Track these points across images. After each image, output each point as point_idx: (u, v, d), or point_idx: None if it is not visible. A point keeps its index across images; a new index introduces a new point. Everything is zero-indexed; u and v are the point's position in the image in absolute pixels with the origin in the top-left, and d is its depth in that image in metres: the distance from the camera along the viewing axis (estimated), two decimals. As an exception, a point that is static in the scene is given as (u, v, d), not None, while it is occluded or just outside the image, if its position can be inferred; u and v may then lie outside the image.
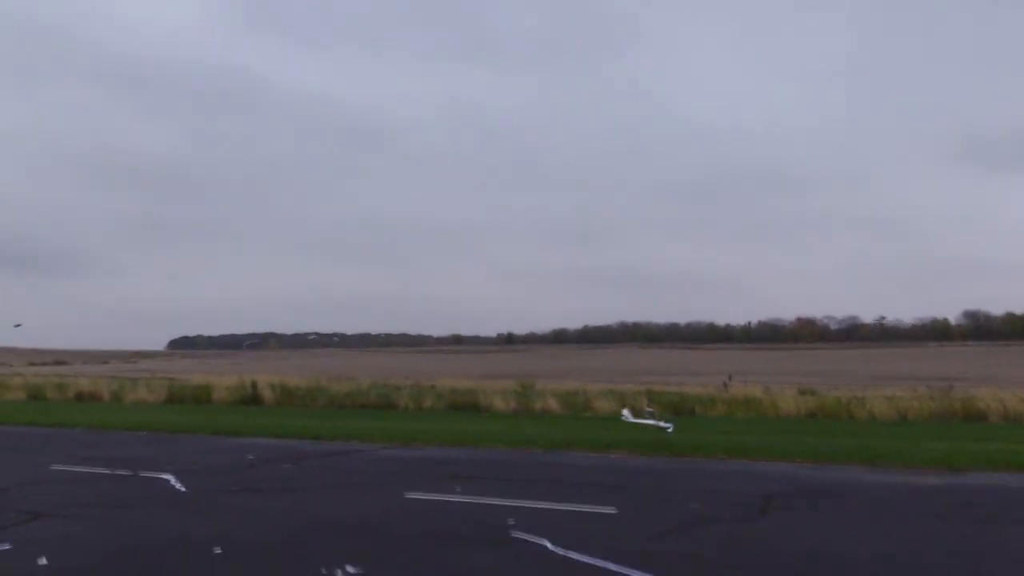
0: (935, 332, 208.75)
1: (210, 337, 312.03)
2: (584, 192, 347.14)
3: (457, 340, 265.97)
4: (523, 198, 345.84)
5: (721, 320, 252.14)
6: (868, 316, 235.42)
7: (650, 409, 20.31)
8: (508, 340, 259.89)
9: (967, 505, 12.94)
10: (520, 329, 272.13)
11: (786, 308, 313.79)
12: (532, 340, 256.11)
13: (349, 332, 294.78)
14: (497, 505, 12.81)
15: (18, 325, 49.18)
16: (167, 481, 15.31)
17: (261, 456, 19.21)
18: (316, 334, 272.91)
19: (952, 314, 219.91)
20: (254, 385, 40.59)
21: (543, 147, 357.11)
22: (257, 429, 25.36)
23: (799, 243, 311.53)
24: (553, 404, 33.91)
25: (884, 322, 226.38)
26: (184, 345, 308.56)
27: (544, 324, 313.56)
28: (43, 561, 9.21)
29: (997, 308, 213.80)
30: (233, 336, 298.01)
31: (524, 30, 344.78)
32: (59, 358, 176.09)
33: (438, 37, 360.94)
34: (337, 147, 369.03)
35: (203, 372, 74.39)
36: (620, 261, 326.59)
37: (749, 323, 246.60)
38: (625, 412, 20.96)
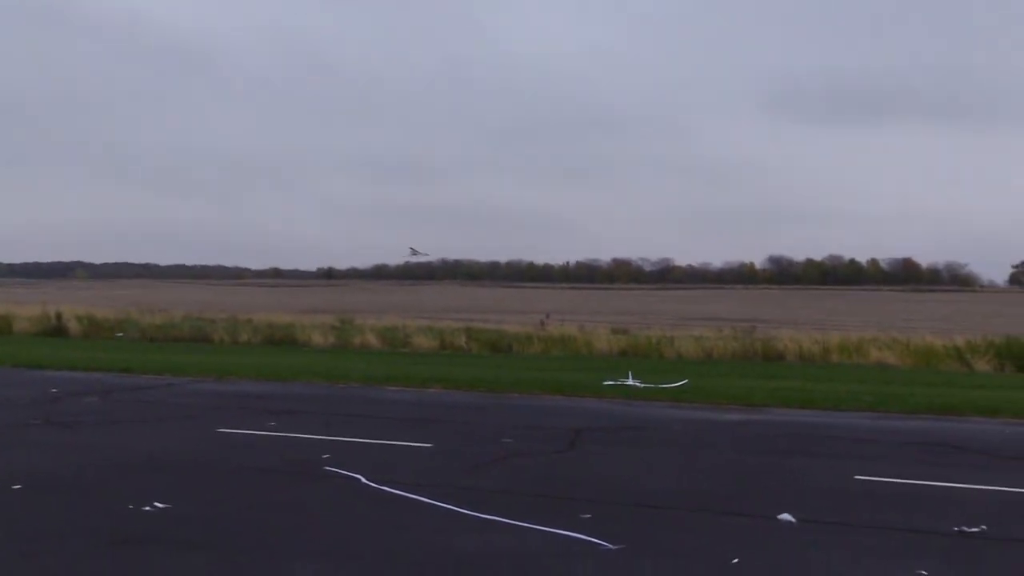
0: (742, 276, 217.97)
1: (10, 264, 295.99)
2: (410, 127, 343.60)
3: (276, 274, 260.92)
4: (348, 130, 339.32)
5: (541, 260, 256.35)
6: (681, 259, 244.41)
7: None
8: (328, 275, 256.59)
9: (759, 439, 13.75)
10: (341, 264, 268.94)
11: (604, 249, 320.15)
12: (353, 275, 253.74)
13: (163, 263, 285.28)
14: (312, 439, 12.80)
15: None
16: (-39, 415, 14.60)
17: (66, 389, 18.51)
18: (127, 264, 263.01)
19: (758, 259, 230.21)
20: (59, 316, 38.81)
21: (370, 79, 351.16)
22: (62, 362, 24.35)
23: (618, 185, 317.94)
24: (372, 340, 33.86)
25: (694, 265, 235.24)
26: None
27: (366, 260, 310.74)
28: None
29: (799, 254, 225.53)
30: (37, 264, 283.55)
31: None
32: None
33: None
34: (153, 70, 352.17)
35: (3, 301, 70.58)
36: (443, 197, 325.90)
37: (567, 263, 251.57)
38: (631, 378, 21.21)
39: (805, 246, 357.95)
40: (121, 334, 36.67)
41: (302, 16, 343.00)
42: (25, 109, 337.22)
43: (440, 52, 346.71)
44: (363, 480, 10.03)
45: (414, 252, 45.76)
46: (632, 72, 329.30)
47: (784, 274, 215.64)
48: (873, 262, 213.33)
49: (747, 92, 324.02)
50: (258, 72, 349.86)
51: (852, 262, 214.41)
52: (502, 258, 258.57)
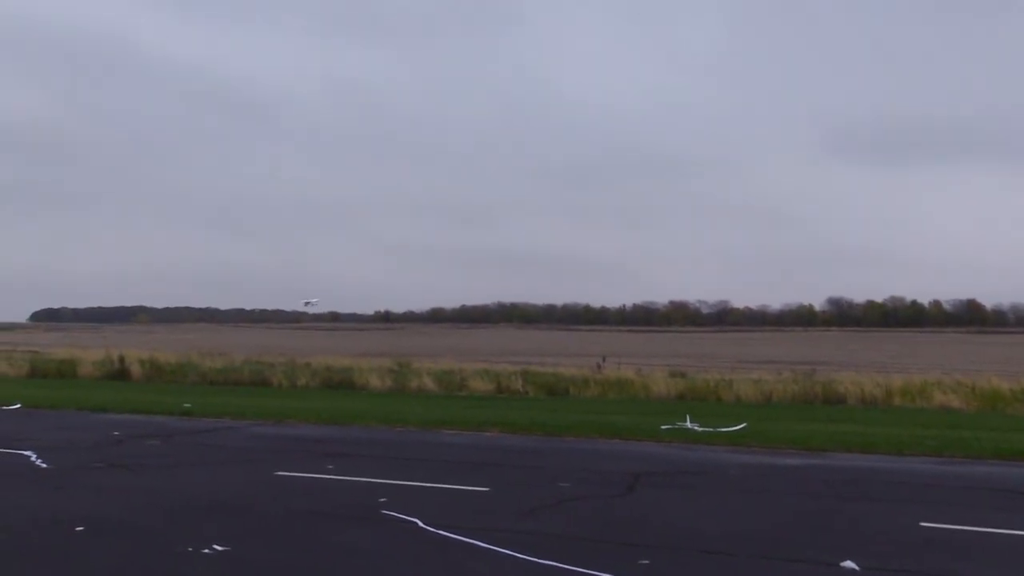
0: (801, 318, 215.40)
1: (76, 310, 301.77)
2: (465, 171, 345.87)
3: (334, 317, 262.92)
4: (404, 176, 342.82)
5: (597, 302, 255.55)
6: (738, 301, 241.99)
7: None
8: (385, 318, 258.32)
9: (820, 483, 13.51)
10: (398, 307, 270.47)
11: (660, 292, 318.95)
12: (409, 319, 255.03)
13: (223, 307, 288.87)
14: (369, 483, 12.83)
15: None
16: (27, 457, 14.85)
17: (128, 432, 18.77)
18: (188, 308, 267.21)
19: (817, 301, 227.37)
20: (122, 360, 39.49)
21: (426, 125, 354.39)
22: (125, 405, 24.74)
23: (674, 228, 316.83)
24: (429, 383, 33.95)
25: (752, 308, 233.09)
26: (48, 317, 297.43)
27: (422, 303, 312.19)
28: None
29: (858, 296, 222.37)
30: (100, 309, 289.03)
31: (406, 7, 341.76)
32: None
33: (320, 11, 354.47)
34: (215, 119, 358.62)
35: (69, 346, 71.96)
36: (499, 241, 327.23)
37: (624, 306, 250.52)
38: (689, 422, 21.16)
39: (865, 288, 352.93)
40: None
41: (362, 67, 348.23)
42: (90, 155, 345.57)
43: (498, 96, 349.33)
44: (420, 524, 10.02)
45: (307, 303, 46.23)
46: (688, 115, 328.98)
47: (844, 316, 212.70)
48: (936, 303, 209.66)
49: (804, 133, 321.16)
50: (319, 120, 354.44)
51: (914, 303, 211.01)
52: (558, 301, 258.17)
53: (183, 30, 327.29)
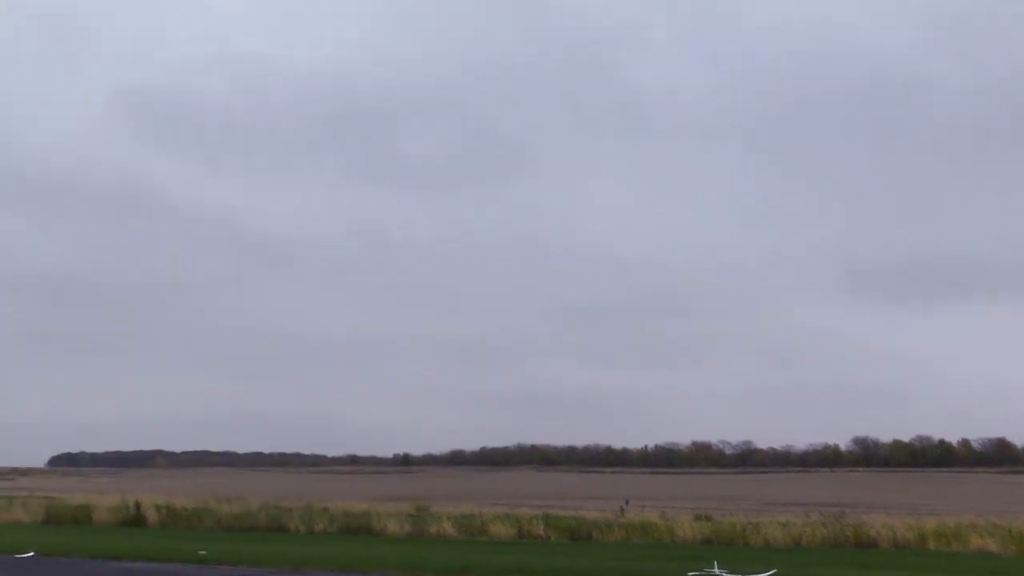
0: (826, 458, 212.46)
1: (94, 454, 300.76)
2: (483, 312, 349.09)
3: (353, 460, 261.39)
4: (424, 318, 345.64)
5: (618, 443, 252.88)
6: (762, 441, 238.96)
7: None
8: (404, 461, 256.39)
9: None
10: (417, 450, 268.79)
11: (682, 431, 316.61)
12: (429, 461, 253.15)
13: (241, 451, 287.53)
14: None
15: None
16: (36, 609, 14.46)
17: (140, 582, 18.31)
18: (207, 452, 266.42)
19: (842, 440, 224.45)
20: (137, 505, 38.96)
21: (444, 267, 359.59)
22: (138, 552, 24.22)
23: (696, 366, 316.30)
24: (448, 528, 33.24)
25: (776, 448, 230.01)
26: (66, 462, 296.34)
27: (441, 445, 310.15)
28: None
29: (884, 435, 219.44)
30: (119, 453, 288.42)
31: (426, 155, 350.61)
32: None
33: (342, 159, 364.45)
34: (236, 263, 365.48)
35: (85, 491, 71.35)
36: (519, 382, 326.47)
37: (646, 447, 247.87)
38: (716, 568, 20.61)
39: (891, 426, 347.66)
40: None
41: (385, 211, 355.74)
42: (111, 302, 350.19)
43: (518, 239, 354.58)
44: None
45: None
46: (708, 255, 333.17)
47: (870, 456, 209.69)
48: (964, 443, 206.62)
49: (825, 272, 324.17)
50: (341, 264, 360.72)
51: (942, 443, 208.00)
52: (579, 442, 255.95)
53: (208, 180, 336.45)
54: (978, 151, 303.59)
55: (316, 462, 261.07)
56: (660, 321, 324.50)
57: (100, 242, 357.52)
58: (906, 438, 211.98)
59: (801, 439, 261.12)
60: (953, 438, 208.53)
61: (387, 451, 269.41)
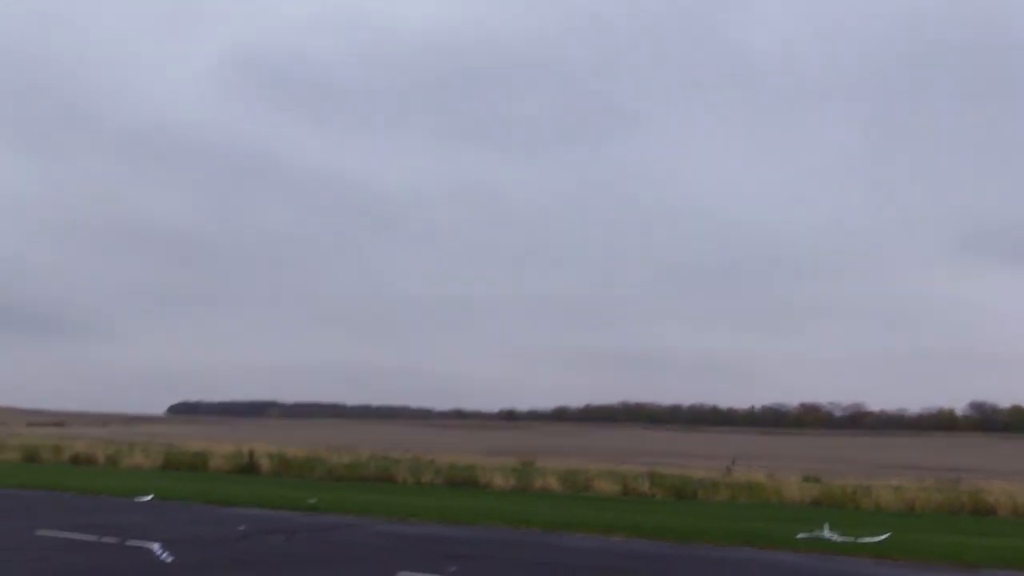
0: (941, 422, 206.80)
1: (211, 404, 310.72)
2: (590, 272, 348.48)
3: (459, 415, 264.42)
4: (528, 276, 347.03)
5: (724, 403, 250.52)
6: (873, 404, 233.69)
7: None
8: (510, 416, 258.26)
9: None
10: (522, 405, 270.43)
11: (790, 393, 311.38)
12: (534, 417, 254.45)
13: (350, 403, 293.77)
14: (492, 588, 12.39)
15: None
16: (154, 551, 14.89)
17: (253, 527, 18.75)
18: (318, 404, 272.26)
19: (958, 405, 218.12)
20: (251, 454, 40.04)
21: (551, 227, 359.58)
22: (251, 499, 24.85)
23: (806, 328, 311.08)
24: (553, 483, 33.34)
25: (888, 411, 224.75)
26: (185, 411, 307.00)
27: (546, 401, 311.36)
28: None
29: (1003, 400, 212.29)
30: (234, 403, 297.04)
31: (532, 116, 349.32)
32: (59, 419, 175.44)
33: (448, 120, 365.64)
34: (347, 223, 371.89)
35: (202, 439, 73.72)
36: (624, 341, 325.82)
37: (753, 407, 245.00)
38: (827, 530, 20.33)
39: (1011, 391, 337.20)
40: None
41: (488, 171, 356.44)
42: (228, 258, 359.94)
43: (620, 202, 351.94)
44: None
45: None
46: (817, 215, 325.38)
47: (988, 421, 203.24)
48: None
49: (939, 232, 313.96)
50: (445, 223, 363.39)
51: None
52: (684, 401, 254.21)
53: (315, 140, 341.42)
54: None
55: (423, 416, 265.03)
56: (768, 282, 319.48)
57: (218, 199, 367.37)
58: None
59: (915, 403, 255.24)
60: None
61: (493, 406, 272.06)
